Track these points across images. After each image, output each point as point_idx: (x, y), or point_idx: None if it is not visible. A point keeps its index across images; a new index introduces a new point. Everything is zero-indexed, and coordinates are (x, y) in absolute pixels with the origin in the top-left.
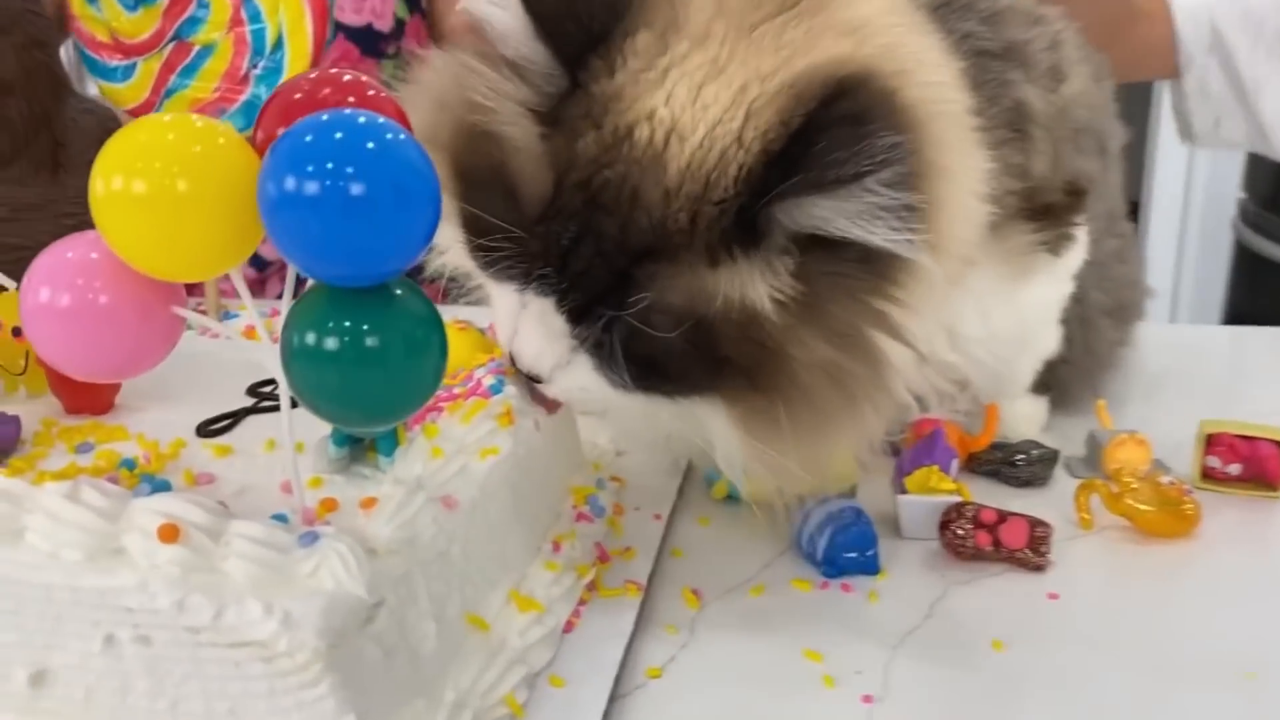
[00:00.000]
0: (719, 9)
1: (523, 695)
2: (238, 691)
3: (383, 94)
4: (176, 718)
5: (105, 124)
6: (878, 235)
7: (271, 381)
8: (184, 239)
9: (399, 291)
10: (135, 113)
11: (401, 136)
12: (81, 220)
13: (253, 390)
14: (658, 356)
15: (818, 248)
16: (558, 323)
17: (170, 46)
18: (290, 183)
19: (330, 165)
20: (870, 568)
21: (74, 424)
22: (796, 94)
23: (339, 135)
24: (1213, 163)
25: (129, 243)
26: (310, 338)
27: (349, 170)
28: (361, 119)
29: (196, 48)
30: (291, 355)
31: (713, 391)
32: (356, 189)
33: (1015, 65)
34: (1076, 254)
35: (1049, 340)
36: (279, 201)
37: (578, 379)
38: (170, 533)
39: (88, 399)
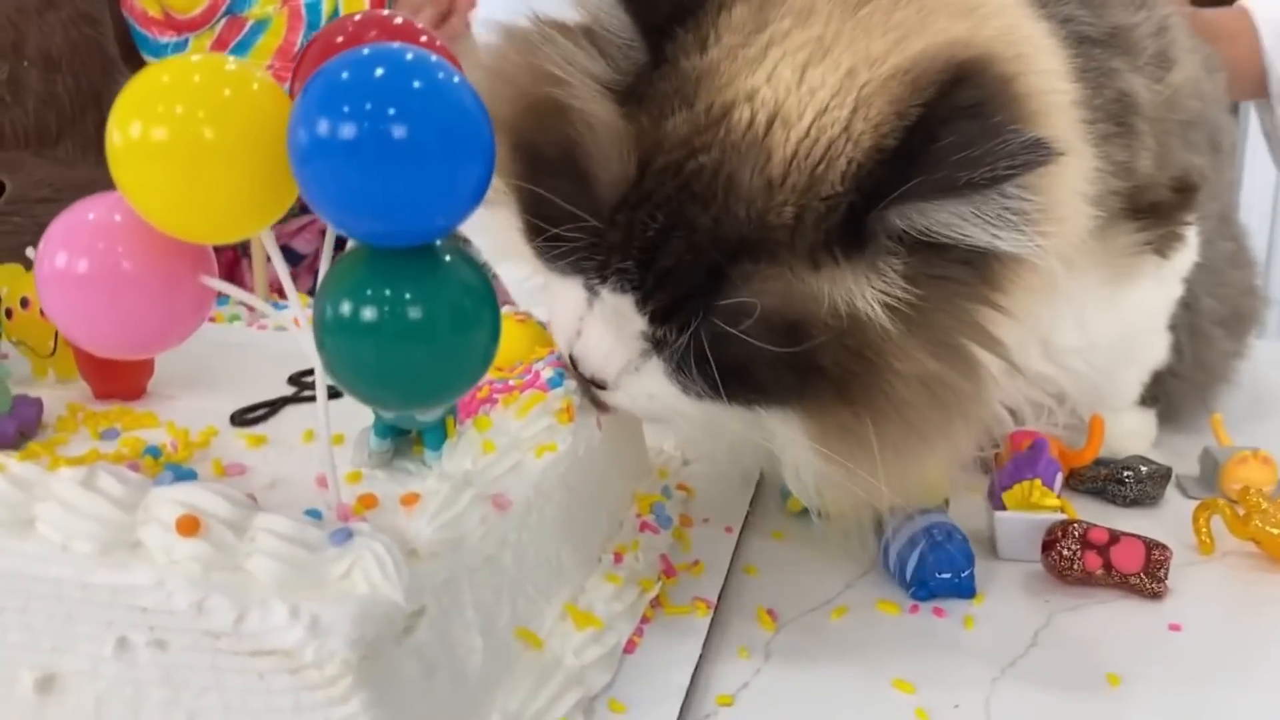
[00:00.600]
0: None
1: None
2: (260, 707)
3: (437, 42)
4: None
5: None
6: (1004, 240)
7: (314, 370)
8: (209, 194)
9: (447, 257)
10: None
11: (455, 78)
12: None
13: (294, 379)
14: (745, 364)
15: (923, 249)
16: (634, 322)
17: (223, 22)
18: (323, 126)
19: (369, 106)
20: (966, 590)
21: (101, 409)
22: (912, 80)
23: (380, 72)
24: None
25: (148, 198)
26: (345, 307)
27: (390, 111)
28: (408, 54)
29: (250, 23)
30: (324, 327)
31: (795, 403)
32: (399, 132)
33: (1119, 52)
34: (1186, 256)
35: (1156, 349)
36: (311, 148)
37: (647, 385)
38: (190, 525)
39: (118, 384)
